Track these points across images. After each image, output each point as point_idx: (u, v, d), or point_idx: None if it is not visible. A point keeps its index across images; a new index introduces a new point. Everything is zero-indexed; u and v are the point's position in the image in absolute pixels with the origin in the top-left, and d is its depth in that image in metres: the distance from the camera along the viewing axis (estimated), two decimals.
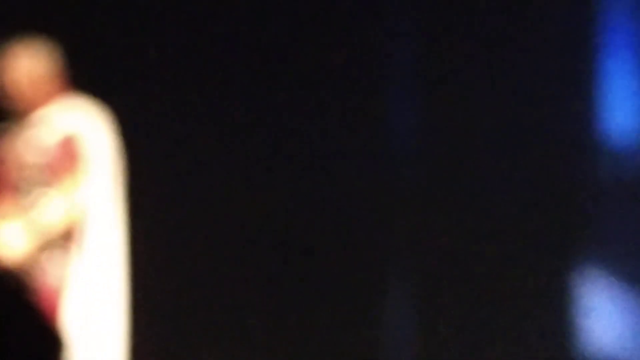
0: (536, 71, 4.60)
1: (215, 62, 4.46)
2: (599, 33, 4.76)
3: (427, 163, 4.83)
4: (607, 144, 4.76)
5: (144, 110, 3.81)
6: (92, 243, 3.43)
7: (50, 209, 3.46)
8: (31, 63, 3.51)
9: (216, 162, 4.43)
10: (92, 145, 3.45)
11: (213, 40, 4.50)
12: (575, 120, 4.81)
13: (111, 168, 3.50)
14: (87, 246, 3.43)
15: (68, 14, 3.82)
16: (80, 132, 3.48)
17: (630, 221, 4.62)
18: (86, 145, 3.46)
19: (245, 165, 4.46)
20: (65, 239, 3.40)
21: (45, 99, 3.49)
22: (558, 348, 4.49)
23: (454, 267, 4.57)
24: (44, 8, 3.80)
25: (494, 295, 4.41)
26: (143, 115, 3.75)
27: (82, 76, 3.50)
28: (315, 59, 4.54)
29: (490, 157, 4.63)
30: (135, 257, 3.50)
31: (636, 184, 4.71)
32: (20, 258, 3.32)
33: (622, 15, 4.72)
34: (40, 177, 3.45)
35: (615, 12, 4.73)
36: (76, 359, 3.35)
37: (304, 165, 4.49)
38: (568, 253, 4.68)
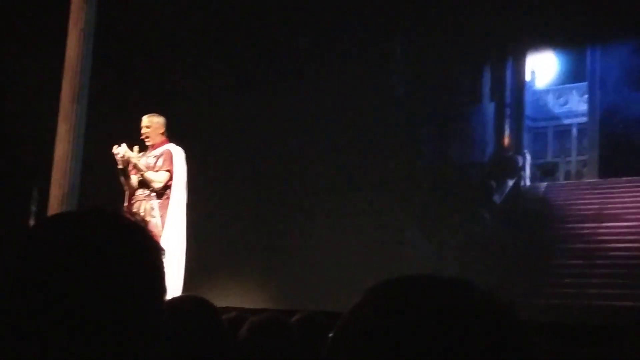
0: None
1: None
2: None
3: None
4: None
5: (194, 146, 6.39)
6: (174, 202, 5.85)
7: (157, 181, 5.80)
8: (151, 121, 5.98)
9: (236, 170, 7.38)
10: (175, 159, 5.93)
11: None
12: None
13: (183, 169, 5.95)
14: (172, 204, 5.84)
15: (165, 104, 6.70)
16: (171, 150, 5.94)
17: (438, 198, 7.59)
18: (173, 157, 5.92)
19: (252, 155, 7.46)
20: (164, 202, 5.81)
21: (156, 139, 5.96)
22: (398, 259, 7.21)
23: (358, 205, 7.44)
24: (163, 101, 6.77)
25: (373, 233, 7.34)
26: (193, 149, 6.27)
27: (172, 131, 6.11)
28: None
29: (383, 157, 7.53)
30: (190, 211, 6.00)
31: (447, 177, 7.64)
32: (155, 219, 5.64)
33: None
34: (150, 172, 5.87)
35: None
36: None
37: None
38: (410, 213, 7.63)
